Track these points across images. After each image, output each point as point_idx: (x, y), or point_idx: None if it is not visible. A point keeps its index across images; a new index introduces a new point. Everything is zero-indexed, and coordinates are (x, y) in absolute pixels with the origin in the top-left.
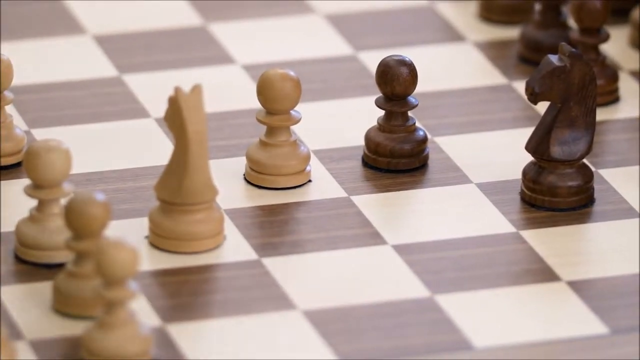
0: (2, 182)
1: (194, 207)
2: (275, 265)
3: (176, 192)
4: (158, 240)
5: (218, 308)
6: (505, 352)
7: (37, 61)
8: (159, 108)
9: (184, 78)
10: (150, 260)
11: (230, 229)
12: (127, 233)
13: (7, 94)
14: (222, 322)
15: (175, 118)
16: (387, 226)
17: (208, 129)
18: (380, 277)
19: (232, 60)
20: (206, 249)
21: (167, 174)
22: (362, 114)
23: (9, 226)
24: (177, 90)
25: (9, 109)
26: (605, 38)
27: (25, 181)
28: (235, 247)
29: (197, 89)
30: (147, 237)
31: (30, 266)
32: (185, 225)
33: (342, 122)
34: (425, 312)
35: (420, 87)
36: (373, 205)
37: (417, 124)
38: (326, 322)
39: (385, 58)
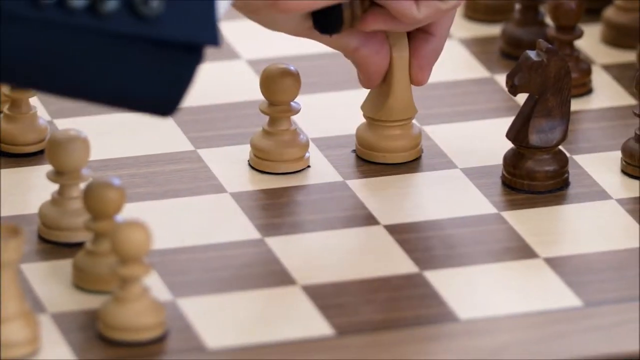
0: (26, 168)
1: (396, 124)
2: (277, 244)
3: (382, 110)
4: (364, 153)
5: (225, 283)
6: (488, 323)
7: None
8: None
9: None
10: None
11: (235, 211)
12: (143, 214)
13: None
14: (228, 296)
15: None
16: (380, 208)
17: (216, 119)
18: (373, 255)
19: (237, 56)
20: (403, 161)
21: (373, 94)
22: (357, 105)
23: (33, 209)
24: None
25: (34, 101)
26: (579, 35)
27: (48, 167)
28: (240, 227)
29: None
30: (354, 150)
31: (51, 245)
32: (388, 139)
33: (338, 112)
34: (414, 287)
35: None
36: (367, 188)
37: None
38: (323, 296)
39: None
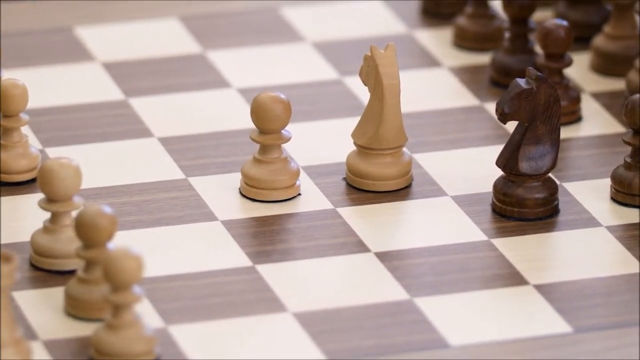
0: (18, 196)
1: (387, 152)
2: (268, 271)
3: (372, 138)
4: (354, 181)
5: (216, 310)
6: (478, 350)
7: (50, 86)
8: (162, 128)
9: (185, 101)
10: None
11: (227, 239)
12: (135, 242)
13: (23, 115)
14: (220, 323)
15: (371, 74)
16: (370, 235)
17: (207, 147)
18: (364, 282)
19: (228, 85)
20: (394, 189)
21: (364, 122)
22: (347, 133)
23: (25, 237)
24: (373, 48)
25: (25, 129)
26: (569, 63)
27: (40, 195)
28: (232, 255)
29: (390, 47)
30: (344, 178)
31: (44, 273)
32: (378, 167)
33: (328, 140)
34: (405, 314)
35: (402, 109)
36: (357, 216)
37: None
38: (314, 323)
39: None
